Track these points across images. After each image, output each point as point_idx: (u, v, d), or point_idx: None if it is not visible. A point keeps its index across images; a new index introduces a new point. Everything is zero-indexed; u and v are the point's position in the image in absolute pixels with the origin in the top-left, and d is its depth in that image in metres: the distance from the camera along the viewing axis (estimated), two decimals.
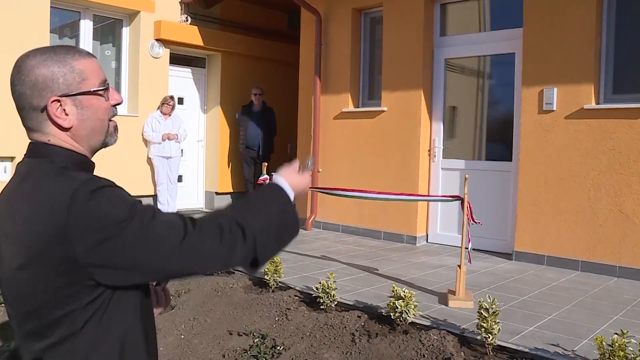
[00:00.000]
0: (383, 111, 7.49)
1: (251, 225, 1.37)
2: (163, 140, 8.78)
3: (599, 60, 5.87)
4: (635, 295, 4.94)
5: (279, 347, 4.05)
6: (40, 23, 7.66)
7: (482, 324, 3.61)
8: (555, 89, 5.99)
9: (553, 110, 6.03)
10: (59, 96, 1.35)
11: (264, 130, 9.44)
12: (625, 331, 3.21)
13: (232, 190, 10.21)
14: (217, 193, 10.21)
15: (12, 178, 1.41)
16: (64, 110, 1.37)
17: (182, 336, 4.48)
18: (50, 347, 1.32)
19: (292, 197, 1.53)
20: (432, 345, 3.72)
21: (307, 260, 6.20)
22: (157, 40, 8.91)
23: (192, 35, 9.25)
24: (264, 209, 1.44)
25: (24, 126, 1.41)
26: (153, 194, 9.11)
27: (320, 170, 8.26)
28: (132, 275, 1.32)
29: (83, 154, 1.43)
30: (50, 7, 7.80)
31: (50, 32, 7.94)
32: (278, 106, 10.02)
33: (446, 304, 4.56)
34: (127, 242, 1.26)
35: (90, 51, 6.88)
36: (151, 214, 1.31)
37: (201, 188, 10.41)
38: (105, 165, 8.76)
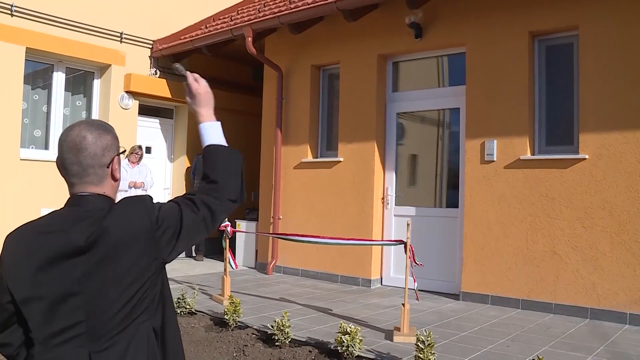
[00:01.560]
0: (340, 161, 7.98)
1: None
2: (130, 187, 9.08)
3: (533, 116, 6.47)
4: (565, 329, 5.39)
5: None
6: (14, 74, 8.03)
7: (419, 355, 3.99)
8: (495, 141, 6.56)
9: (494, 161, 6.58)
10: (116, 155, 1.81)
11: None
12: (541, 357, 3.62)
13: None
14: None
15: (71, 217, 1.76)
16: (117, 166, 1.81)
17: None
18: None
19: (219, 127, 2.03)
20: None
21: (266, 302, 6.52)
22: (127, 92, 9.33)
23: (160, 87, 9.70)
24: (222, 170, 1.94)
25: (80, 182, 1.75)
26: None
27: (281, 217, 8.65)
28: None
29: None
30: (25, 59, 8.18)
31: (24, 82, 8.30)
32: (242, 155, 10.42)
33: (391, 340, 4.93)
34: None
35: (62, 102, 7.26)
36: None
37: None
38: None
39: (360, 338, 4.41)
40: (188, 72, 2.03)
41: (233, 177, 1.93)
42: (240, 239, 9.60)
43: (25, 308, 1.66)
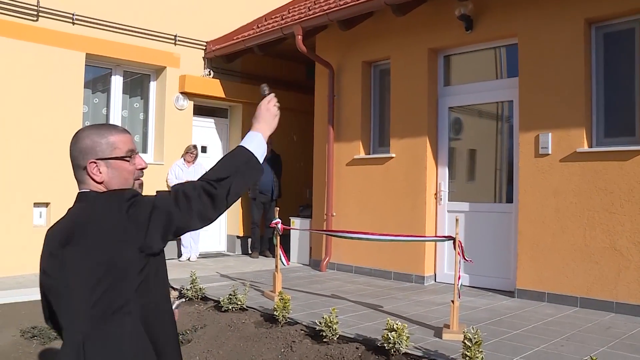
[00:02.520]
0: (392, 157, 7.92)
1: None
2: None
3: (590, 107, 6.22)
4: (627, 330, 5.16)
5: None
6: (75, 79, 8.39)
7: (466, 352, 3.91)
8: (550, 134, 6.35)
9: (549, 154, 6.37)
10: (95, 159, 1.93)
11: (275, 175, 9.95)
12: (594, 357, 3.48)
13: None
14: (238, 237, 10.65)
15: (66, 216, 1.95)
16: (99, 169, 1.93)
17: None
18: None
19: (261, 140, 2.06)
20: None
21: (317, 299, 6.54)
22: (181, 93, 9.57)
23: (214, 88, 9.89)
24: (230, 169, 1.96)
25: (75, 179, 1.98)
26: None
27: (334, 214, 8.66)
28: None
29: None
30: (85, 65, 8.52)
31: (84, 87, 8.65)
32: (294, 153, 10.56)
33: (440, 337, 4.86)
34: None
35: (120, 104, 7.61)
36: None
37: (223, 232, 10.87)
38: None
39: (408, 335, 4.36)
40: (271, 94, 2.21)
41: (226, 170, 1.94)
42: (294, 236, 9.68)
43: (43, 297, 1.96)
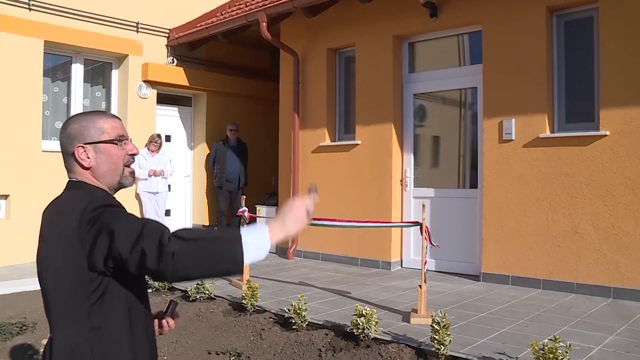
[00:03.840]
0: (357, 144, 7.94)
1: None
2: (150, 176, 9.18)
3: (552, 93, 6.34)
4: (587, 309, 5.31)
5: None
6: (34, 68, 8.14)
7: (435, 336, 3.97)
8: (514, 120, 6.45)
9: (512, 140, 6.47)
10: (83, 144, 1.87)
11: (241, 163, 9.91)
12: (557, 337, 3.57)
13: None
14: (204, 226, 10.56)
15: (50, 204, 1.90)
16: (87, 154, 1.87)
17: (165, 357, 4.81)
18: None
19: (264, 236, 1.68)
20: (390, 357, 4.08)
21: (285, 287, 6.54)
22: (144, 81, 9.40)
23: (178, 76, 9.75)
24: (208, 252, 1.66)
25: (65, 168, 1.93)
26: None
27: None
28: None
29: (103, 189, 1.90)
30: (44, 52, 8.28)
31: (43, 75, 8.42)
32: (260, 141, 10.52)
33: (409, 322, 4.92)
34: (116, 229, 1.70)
35: (82, 93, 7.45)
36: (134, 222, 1.70)
37: (189, 221, 10.77)
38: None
39: (377, 320, 4.40)
40: (314, 197, 1.89)
41: (202, 242, 1.66)
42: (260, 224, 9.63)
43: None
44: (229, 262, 1.63)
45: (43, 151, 8.19)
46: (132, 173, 2.00)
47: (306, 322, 4.86)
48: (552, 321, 4.92)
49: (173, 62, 9.83)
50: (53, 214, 1.83)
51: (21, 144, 7.98)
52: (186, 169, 10.69)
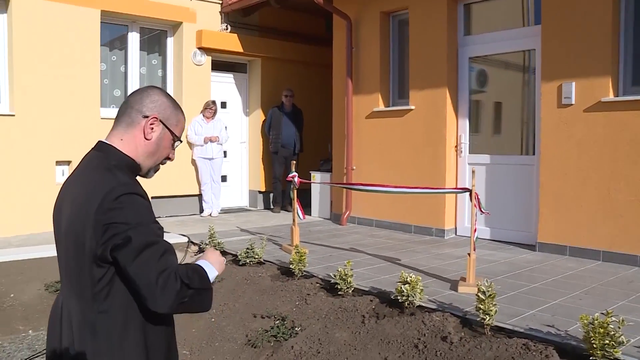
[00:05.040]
0: (411, 109, 7.77)
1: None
2: (205, 142, 9.32)
3: (617, 54, 5.97)
4: None
5: (296, 328, 4.43)
6: (91, 38, 8.33)
7: (480, 305, 3.87)
8: (574, 83, 6.12)
9: (572, 104, 6.16)
10: (160, 119, 1.90)
11: (297, 129, 9.92)
12: (610, 311, 3.41)
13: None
14: (260, 192, 10.67)
15: (77, 166, 1.92)
16: (153, 128, 1.90)
17: (213, 319, 4.92)
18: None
19: (214, 275, 1.89)
20: (434, 325, 4.01)
21: (335, 253, 6.54)
22: (199, 48, 9.47)
23: (232, 42, 9.76)
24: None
25: (116, 120, 1.93)
26: (198, 193, 9.66)
27: (354, 168, 8.60)
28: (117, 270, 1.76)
29: (134, 160, 1.91)
30: (101, 22, 8.45)
31: (102, 44, 8.61)
32: (315, 107, 10.46)
33: (456, 290, 4.82)
34: (133, 234, 1.69)
35: (138, 61, 7.55)
36: (154, 239, 1.72)
37: (245, 187, 10.91)
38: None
39: (421, 288, 4.33)
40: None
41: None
42: (315, 190, 9.67)
43: None
44: (203, 309, 1.84)
45: (101, 118, 8.42)
46: (157, 170, 2.03)
47: (352, 288, 4.84)
48: (609, 295, 4.71)
49: (227, 29, 9.85)
50: (76, 187, 1.82)
51: (81, 112, 8.23)
52: (242, 135, 10.78)
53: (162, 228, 1.81)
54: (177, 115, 1.96)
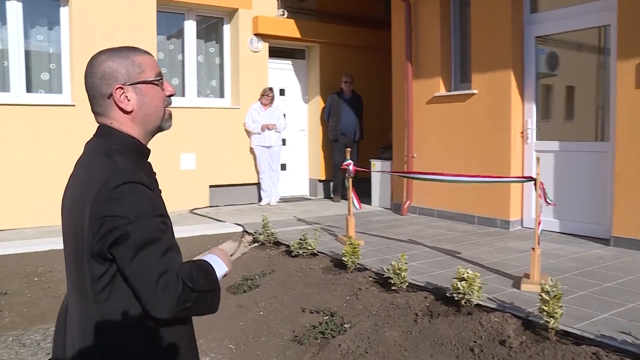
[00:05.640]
0: (474, 94, 7.35)
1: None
2: (262, 130, 9.20)
3: None
4: None
5: (345, 325, 4.21)
6: (147, 27, 8.34)
7: (544, 307, 3.53)
8: None
9: None
10: (122, 84, 1.63)
11: (357, 116, 9.66)
12: None
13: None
14: (319, 180, 10.50)
15: (83, 152, 1.73)
16: (127, 96, 1.64)
17: (261, 312, 4.77)
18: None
19: (224, 271, 1.71)
20: (492, 327, 3.70)
21: (392, 244, 6.27)
22: (255, 35, 9.35)
23: (289, 28, 9.58)
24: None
25: (93, 112, 1.71)
26: (256, 182, 9.58)
27: (415, 155, 8.26)
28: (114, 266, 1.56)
29: (138, 139, 1.70)
30: (157, 11, 8.44)
31: (160, 33, 8.62)
32: (375, 93, 10.16)
33: (518, 288, 4.47)
34: (131, 230, 1.50)
35: (195, 50, 7.51)
36: (155, 235, 1.51)
37: (305, 176, 10.75)
38: (210, 155, 9.30)
39: (480, 285, 4.01)
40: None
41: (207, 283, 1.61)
42: (375, 178, 9.40)
43: None
44: (210, 311, 1.64)
45: None
46: (171, 115, 1.78)
47: (406, 284, 4.57)
48: None
49: (283, 14, 9.67)
50: (76, 176, 1.66)
51: None
52: (301, 122, 10.62)
53: (168, 222, 1.61)
54: (134, 61, 1.65)
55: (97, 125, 1.71)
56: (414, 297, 4.35)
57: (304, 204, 9.80)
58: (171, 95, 1.76)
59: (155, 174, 1.81)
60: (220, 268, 1.68)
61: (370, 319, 4.20)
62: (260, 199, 9.59)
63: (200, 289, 1.54)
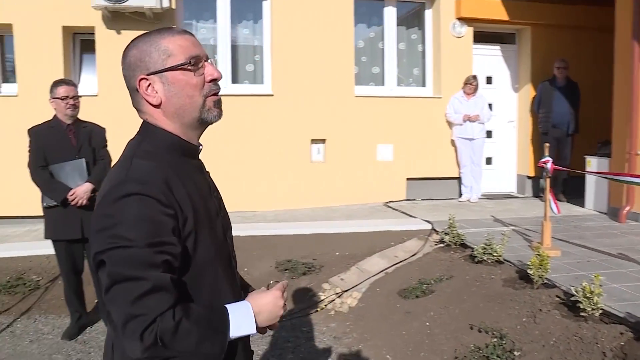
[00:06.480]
0: None
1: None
2: (464, 121, 8.61)
3: None
4: None
5: (515, 352, 3.65)
6: (344, 15, 8.30)
7: None
8: None
9: None
10: (146, 74, 1.42)
11: (571, 106, 8.55)
12: None
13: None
14: (528, 177, 9.58)
15: None
16: (153, 87, 1.43)
17: (427, 323, 4.40)
18: None
19: (249, 331, 1.41)
20: None
21: (596, 257, 5.36)
22: (458, 19, 8.77)
23: (495, 10, 8.81)
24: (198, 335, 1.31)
25: (134, 107, 1.53)
26: (457, 176, 9.04)
27: (639, 152, 7.03)
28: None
29: (176, 134, 1.47)
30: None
31: (359, 22, 8.54)
32: (590, 79, 8.92)
33: None
34: (107, 258, 1.30)
35: (395, 37, 7.23)
36: (133, 274, 1.26)
37: (512, 171, 9.90)
38: (409, 146, 8.96)
39: None
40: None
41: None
42: (590, 178, 8.24)
43: None
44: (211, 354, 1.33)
45: (356, 96, 8.36)
46: (218, 103, 1.49)
47: (598, 311, 3.81)
48: None
49: None
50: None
51: (335, 90, 8.29)
52: (510, 113, 9.76)
53: (170, 250, 1.31)
54: (158, 46, 1.41)
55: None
56: (606, 330, 3.59)
57: (508, 202, 8.98)
58: (214, 80, 1.48)
59: (208, 173, 1.58)
60: (242, 326, 1.38)
61: (546, 349, 3.57)
62: (460, 195, 9.03)
63: (180, 349, 1.26)
